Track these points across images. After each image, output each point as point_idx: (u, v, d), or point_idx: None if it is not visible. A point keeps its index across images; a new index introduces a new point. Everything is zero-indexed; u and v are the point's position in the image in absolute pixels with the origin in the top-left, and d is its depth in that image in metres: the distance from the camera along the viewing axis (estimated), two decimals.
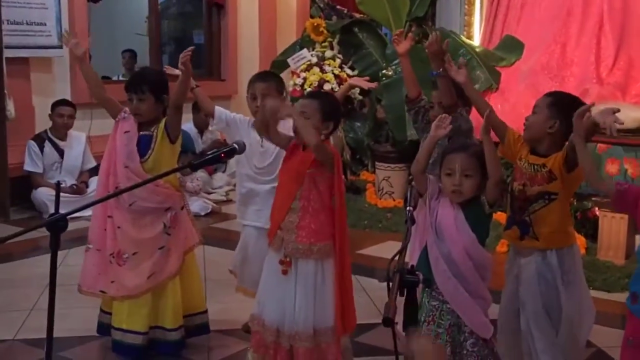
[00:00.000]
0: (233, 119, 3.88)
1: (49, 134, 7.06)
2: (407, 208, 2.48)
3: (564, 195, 3.07)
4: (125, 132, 3.65)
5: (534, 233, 3.09)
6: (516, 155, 3.19)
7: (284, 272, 3.23)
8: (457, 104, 3.65)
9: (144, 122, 3.67)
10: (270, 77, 3.82)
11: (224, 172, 8.01)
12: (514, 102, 6.51)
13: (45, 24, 7.20)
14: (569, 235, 3.15)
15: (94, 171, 7.25)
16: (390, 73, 7.31)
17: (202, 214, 6.95)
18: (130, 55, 9.91)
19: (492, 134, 3.00)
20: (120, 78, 9.70)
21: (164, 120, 3.65)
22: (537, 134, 3.09)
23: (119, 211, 3.64)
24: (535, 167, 3.08)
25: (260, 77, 3.81)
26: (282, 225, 3.25)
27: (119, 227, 3.64)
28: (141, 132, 3.66)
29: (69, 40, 3.76)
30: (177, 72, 3.64)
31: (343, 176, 3.38)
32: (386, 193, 7.22)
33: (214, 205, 7.20)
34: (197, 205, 6.89)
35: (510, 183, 3.19)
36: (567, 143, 2.99)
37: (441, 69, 3.53)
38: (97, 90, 3.75)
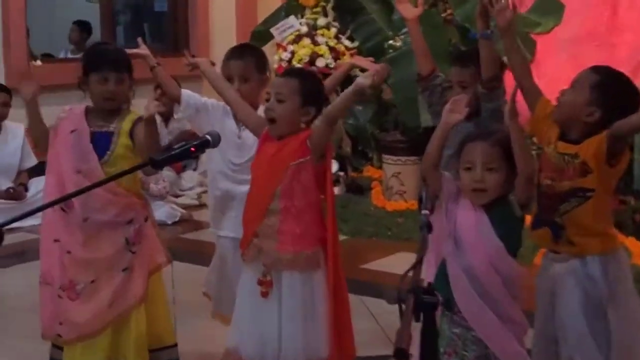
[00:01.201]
0: (204, 104, 3.88)
1: None
2: (423, 211, 2.47)
3: (602, 191, 3.05)
4: (72, 131, 3.61)
5: (568, 238, 3.08)
6: (544, 136, 3.17)
7: (264, 294, 3.24)
8: (499, 79, 3.63)
9: (103, 113, 3.64)
10: (249, 53, 3.82)
11: (194, 170, 8.02)
12: (552, 76, 6.51)
13: None
14: (611, 239, 3.14)
15: (35, 171, 7.24)
16: (398, 44, 7.32)
17: (169, 222, 6.96)
18: (82, 28, 9.89)
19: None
20: (69, 55, 9.67)
21: (129, 120, 3.61)
22: (570, 116, 3.08)
23: (68, 231, 3.61)
24: (566, 157, 3.05)
25: (236, 53, 3.80)
26: (259, 230, 3.25)
27: (68, 252, 3.61)
28: (93, 129, 3.62)
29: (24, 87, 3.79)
30: (143, 52, 3.63)
31: (342, 173, 3.39)
32: (396, 193, 7.22)
33: (183, 211, 7.22)
34: (163, 211, 6.90)
35: (537, 174, 3.17)
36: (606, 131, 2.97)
37: (488, 30, 3.49)
38: (41, 140, 3.72)
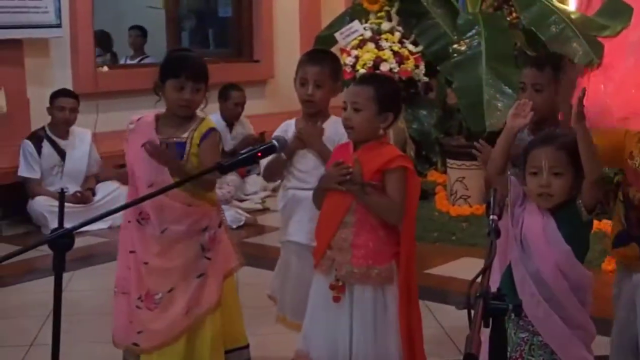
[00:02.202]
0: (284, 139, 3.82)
1: (48, 132, 7.21)
2: (491, 216, 2.46)
3: None
4: (143, 144, 3.58)
5: None
6: (625, 152, 3.13)
7: (336, 299, 3.25)
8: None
9: (175, 120, 3.68)
10: (326, 59, 3.82)
11: (259, 174, 8.05)
12: (621, 81, 6.43)
13: None
14: None
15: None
16: (462, 48, 7.28)
17: (234, 226, 7.01)
18: (138, 32, 10.05)
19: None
20: (128, 61, 9.83)
21: (200, 131, 3.64)
22: None
23: (144, 243, 3.66)
24: None
25: (313, 58, 3.81)
26: (333, 243, 3.27)
27: (145, 264, 3.65)
28: (164, 139, 3.63)
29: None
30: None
31: (418, 181, 3.39)
32: (460, 198, 7.19)
33: (248, 215, 7.27)
34: (227, 215, 6.91)
35: (621, 188, 3.13)
36: None
37: None
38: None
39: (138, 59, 9.82)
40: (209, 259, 3.69)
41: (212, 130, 3.69)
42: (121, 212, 3.32)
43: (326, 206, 3.34)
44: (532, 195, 2.96)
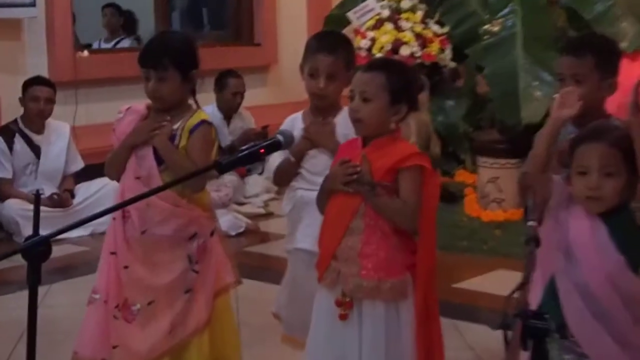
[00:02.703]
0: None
1: (20, 126, 7.24)
2: (529, 222, 2.45)
3: None
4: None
5: None
6: None
7: (343, 317, 3.23)
8: None
9: (162, 111, 3.71)
10: (340, 47, 3.80)
11: (260, 173, 8.08)
12: None
13: None
14: None
15: (81, 175, 7.38)
16: (495, 29, 7.27)
17: (233, 233, 7.02)
18: (113, 11, 10.04)
19: None
20: (102, 45, 9.81)
21: (190, 124, 3.67)
22: None
23: (126, 244, 3.69)
24: None
25: (325, 46, 3.77)
26: (338, 252, 3.26)
27: (125, 267, 3.68)
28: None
29: None
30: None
31: (438, 181, 3.38)
32: (493, 201, 7.18)
33: (248, 221, 7.27)
34: (225, 221, 6.96)
35: None
36: None
37: None
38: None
39: (114, 41, 9.81)
40: (196, 272, 3.69)
41: (203, 122, 3.70)
42: (106, 216, 3.33)
43: (330, 210, 3.32)
44: (580, 198, 2.94)
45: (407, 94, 3.27)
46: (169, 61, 3.63)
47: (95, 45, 9.78)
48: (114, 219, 3.71)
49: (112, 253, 3.71)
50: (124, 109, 3.78)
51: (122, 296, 3.68)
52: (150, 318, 3.66)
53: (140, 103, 3.76)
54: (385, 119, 3.23)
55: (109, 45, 9.74)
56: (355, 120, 3.25)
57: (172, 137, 3.66)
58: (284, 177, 3.83)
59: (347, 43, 3.92)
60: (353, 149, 3.31)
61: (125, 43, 9.71)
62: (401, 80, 3.27)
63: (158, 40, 3.85)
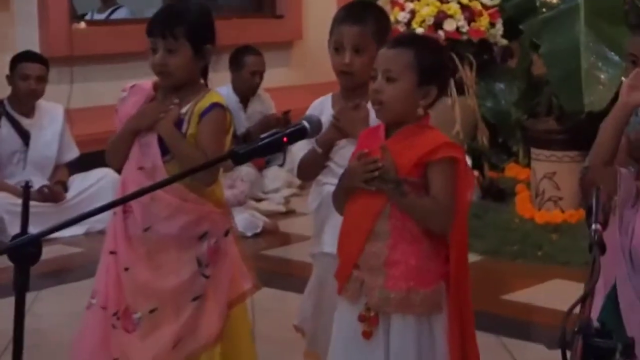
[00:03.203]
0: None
1: (7, 108, 7.26)
2: (593, 226, 2.45)
3: None
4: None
5: None
6: None
7: (366, 335, 3.23)
8: None
9: (169, 90, 3.72)
10: (369, 16, 3.79)
11: (281, 165, 8.09)
12: None
13: None
14: None
15: (76, 166, 7.41)
16: (554, 1, 7.25)
17: (249, 234, 7.04)
18: None
19: None
20: (95, 16, 9.81)
21: (201, 106, 3.69)
22: None
23: (128, 243, 3.71)
24: None
25: (350, 15, 3.78)
26: (360, 260, 3.25)
27: (126, 269, 3.70)
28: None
29: None
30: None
31: (476, 173, 3.37)
32: (549, 200, 7.17)
33: (267, 220, 7.29)
34: (240, 220, 6.99)
35: None
36: None
37: None
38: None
39: (108, 11, 9.82)
40: (207, 277, 3.71)
41: (216, 105, 3.71)
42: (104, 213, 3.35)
43: (350, 212, 3.31)
44: None
45: (437, 75, 3.26)
46: (181, 31, 3.65)
47: (88, 17, 9.78)
48: (114, 213, 3.72)
49: (112, 252, 3.73)
50: (128, 87, 3.80)
51: (122, 302, 3.69)
52: (153, 328, 3.68)
53: (147, 81, 3.78)
54: (411, 102, 3.21)
55: (102, 16, 9.74)
56: (377, 103, 3.22)
57: (179, 123, 3.68)
58: (310, 171, 3.81)
59: (378, 12, 3.91)
60: (374, 139, 3.29)
61: (121, 13, 9.67)
62: (431, 58, 3.26)
63: (170, 8, 3.86)
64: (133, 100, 3.75)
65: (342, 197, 3.34)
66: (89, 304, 3.80)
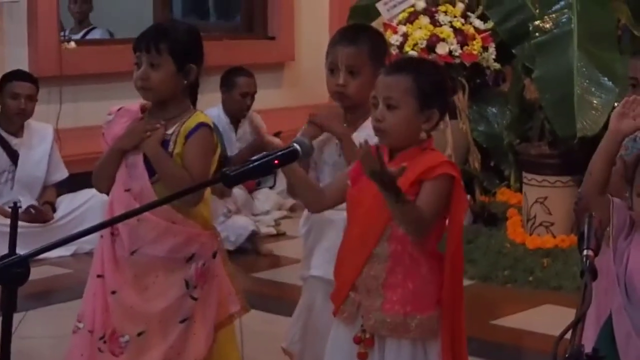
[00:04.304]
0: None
1: None
2: (585, 251, 2.46)
3: None
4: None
5: None
6: None
7: (362, 357, 3.24)
8: None
9: (156, 111, 3.73)
10: (363, 37, 3.82)
11: (271, 187, 8.09)
12: None
13: None
14: None
15: (64, 186, 7.40)
16: (547, 25, 7.27)
17: (233, 239, 7.03)
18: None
19: None
20: (67, 34, 9.77)
21: (187, 127, 3.70)
22: None
23: (115, 266, 3.71)
24: None
25: (346, 37, 3.81)
26: (358, 282, 3.26)
27: (113, 293, 3.70)
28: None
29: None
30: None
31: (468, 197, 3.37)
32: (541, 225, 7.17)
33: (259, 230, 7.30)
34: (229, 227, 7.03)
35: None
36: None
37: None
38: None
39: (82, 32, 9.78)
40: (195, 299, 3.71)
41: (203, 125, 3.73)
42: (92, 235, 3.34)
43: (351, 233, 3.32)
44: None
45: (438, 98, 3.28)
46: (165, 46, 3.68)
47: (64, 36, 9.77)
48: (101, 236, 3.73)
49: (99, 276, 3.73)
50: (114, 109, 3.81)
51: (109, 326, 3.70)
52: (141, 351, 3.69)
53: (134, 103, 3.80)
54: (414, 127, 3.23)
55: (78, 37, 9.71)
56: (379, 131, 3.25)
57: (165, 143, 3.70)
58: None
59: (373, 34, 3.94)
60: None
61: (96, 34, 9.64)
62: (431, 81, 3.27)
63: (159, 25, 3.97)
64: (121, 122, 3.76)
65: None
66: (75, 328, 3.80)
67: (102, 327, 3.70)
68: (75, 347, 3.79)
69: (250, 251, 7.13)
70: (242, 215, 7.38)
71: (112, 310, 3.70)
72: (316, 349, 3.85)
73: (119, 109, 3.80)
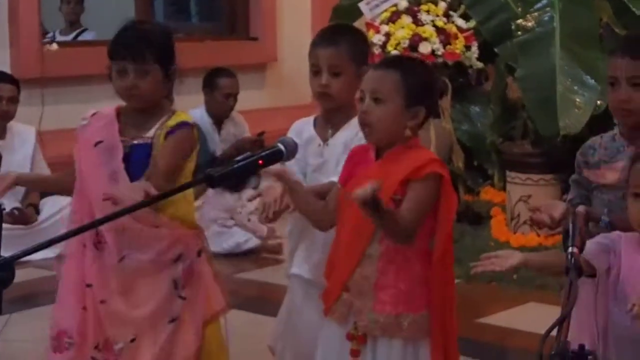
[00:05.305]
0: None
1: None
2: (570, 248, 2.46)
3: None
4: (97, 143, 3.69)
5: None
6: None
7: (355, 354, 3.26)
8: None
9: (134, 114, 3.73)
10: (344, 37, 3.83)
11: (255, 188, 8.07)
12: None
13: None
14: None
15: None
16: (530, 24, 7.29)
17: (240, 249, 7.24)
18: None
19: None
20: (58, 37, 9.77)
21: (174, 119, 3.71)
22: None
23: (102, 274, 3.69)
24: None
25: (326, 38, 3.82)
26: (350, 283, 3.28)
27: (102, 302, 3.68)
28: (127, 140, 3.71)
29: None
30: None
31: (456, 197, 3.38)
32: (525, 223, 7.18)
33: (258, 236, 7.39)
34: (231, 235, 7.28)
35: None
36: None
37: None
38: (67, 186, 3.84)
39: (74, 33, 9.80)
40: (183, 298, 3.72)
41: (184, 125, 3.73)
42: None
43: (342, 234, 3.34)
44: (635, 224, 2.95)
45: (425, 96, 3.29)
46: (151, 54, 3.67)
47: (49, 36, 9.70)
48: (84, 246, 3.70)
49: (88, 285, 3.69)
50: (89, 115, 3.78)
51: (102, 335, 3.67)
52: (133, 356, 3.68)
53: (109, 107, 3.77)
54: (399, 124, 3.24)
55: (68, 38, 9.71)
56: (365, 124, 3.26)
57: (147, 147, 3.69)
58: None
59: (354, 33, 3.94)
60: (365, 159, 3.32)
61: (87, 36, 9.67)
62: (419, 79, 3.29)
63: (134, 29, 3.84)
64: (96, 126, 3.73)
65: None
66: (62, 345, 3.76)
67: (94, 336, 3.68)
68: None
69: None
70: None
71: (104, 319, 3.67)
72: (296, 346, 3.87)
73: (93, 114, 3.77)
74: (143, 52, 3.67)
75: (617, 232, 3.05)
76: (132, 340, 3.66)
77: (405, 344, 3.24)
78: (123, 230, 3.61)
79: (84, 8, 9.90)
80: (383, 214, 3.03)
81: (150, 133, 3.70)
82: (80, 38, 9.59)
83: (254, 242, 7.31)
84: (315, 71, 3.75)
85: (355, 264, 3.25)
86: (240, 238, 7.27)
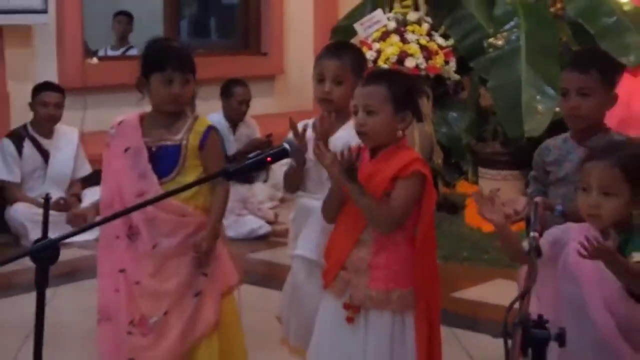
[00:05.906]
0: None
1: (30, 130, 7.25)
2: (531, 233, 2.46)
3: None
4: (126, 149, 3.69)
5: None
6: None
7: (350, 320, 3.28)
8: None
9: (159, 118, 3.72)
10: (347, 52, 3.85)
11: (265, 181, 8.08)
12: None
13: None
14: None
15: (89, 180, 7.40)
16: (500, 42, 7.28)
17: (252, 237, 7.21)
18: (126, 19, 10.04)
19: None
20: (109, 52, 9.81)
21: (197, 132, 3.70)
22: None
23: (135, 260, 3.69)
24: None
25: (331, 51, 3.84)
26: (347, 262, 3.29)
27: (137, 283, 3.68)
28: (153, 144, 3.70)
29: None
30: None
31: (435, 192, 3.39)
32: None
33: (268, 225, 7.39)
34: (244, 223, 7.28)
35: None
36: None
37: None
38: None
39: (122, 49, 9.83)
40: (205, 275, 3.72)
41: (211, 129, 3.75)
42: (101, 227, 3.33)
43: (342, 222, 3.35)
44: (583, 213, 2.95)
45: (410, 101, 3.31)
46: (190, 66, 3.71)
47: (101, 53, 9.76)
48: (117, 237, 3.69)
49: (121, 271, 3.68)
50: (116, 122, 3.77)
51: (137, 312, 3.67)
52: (166, 327, 3.68)
53: (132, 114, 3.76)
54: (391, 128, 3.27)
55: (117, 53, 9.75)
56: (361, 134, 3.28)
57: (177, 147, 3.69)
58: (291, 184, 3.85)
59: (355, 50, 3.98)
60: (362, 157, 3.32)
61: (134, 52, 9.71)
62: (402, 88, 3.31)
63: (177, 46, 3.89)
64: (122, 134, 3.72)
65: (331, 206, 3.37)
66: (98, 319, 3.76)
67: (128, 314, 3.67)
68: (101, 334, 3.75)
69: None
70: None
71: (139, 298, 3.67)
72: (300, 316, 3.87)
73: (119, 123, 3.75)
74: (187, 64, 3.69)
75: (569, 224, 3.05)
76: (165, 313, 3.66)
77: (393, 314, 3.25)
78: (153, 221, 3.62)
79: (132, 28, 9.93)
80: (364, 191, 3.13)
81: (178, 136, 3.69)
82: (128, 54, 9.62)
83: (266, 228, 7.30)
84: (320, 79, 3.77)
85: (352, 247, 3.27)
86: (254, 224, 7.27)
